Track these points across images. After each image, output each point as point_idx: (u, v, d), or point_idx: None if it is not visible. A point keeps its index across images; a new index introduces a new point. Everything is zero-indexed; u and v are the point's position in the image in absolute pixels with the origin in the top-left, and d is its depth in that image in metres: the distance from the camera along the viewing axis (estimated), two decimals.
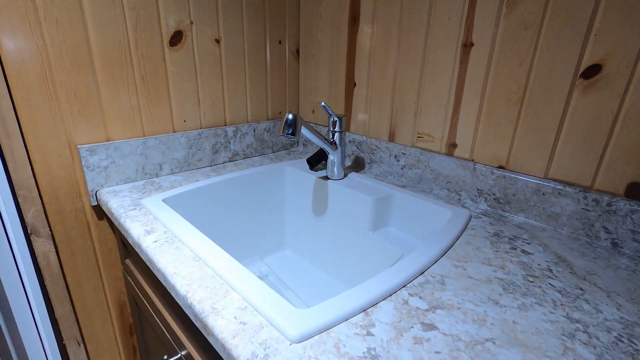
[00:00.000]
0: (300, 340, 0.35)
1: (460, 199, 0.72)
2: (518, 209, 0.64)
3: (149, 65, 0.73)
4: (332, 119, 0.76)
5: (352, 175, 0.82)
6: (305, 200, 0.85)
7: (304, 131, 0.66)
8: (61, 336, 0.75)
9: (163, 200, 0.66)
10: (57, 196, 0.68)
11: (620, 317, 0.40)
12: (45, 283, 0.70)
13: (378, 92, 0.83)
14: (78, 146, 0.67)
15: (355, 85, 0.88)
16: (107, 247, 0.77)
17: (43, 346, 0.74)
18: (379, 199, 0.71)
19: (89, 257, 0.75)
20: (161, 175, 0.80)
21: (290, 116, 0.64)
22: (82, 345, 0.78)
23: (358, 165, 0.90)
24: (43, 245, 0.68)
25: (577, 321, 0.39)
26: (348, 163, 0.93)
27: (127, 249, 0.74)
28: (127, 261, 0.75)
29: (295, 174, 0.86)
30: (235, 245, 0.81)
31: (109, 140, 0.72)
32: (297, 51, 1.00)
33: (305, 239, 0.87)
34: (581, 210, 0.57)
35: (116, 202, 0.65)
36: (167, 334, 0.61)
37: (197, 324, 0.40)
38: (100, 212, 0.75)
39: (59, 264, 0.71)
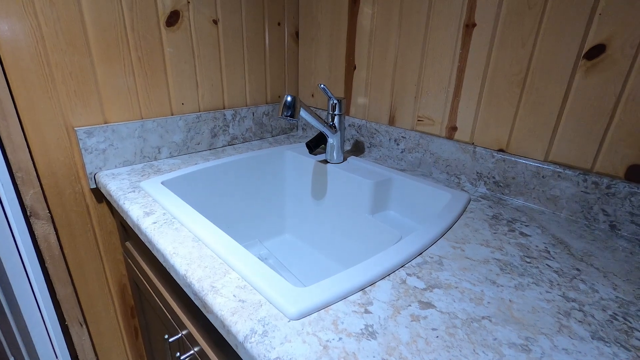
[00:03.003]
0: (298, 318, 0.35)
1: (459, 183, 0.71)
2: (517, 192, 0.64)
3: (145, 46, 0.72)
4: (331, 102, 0.75)
5: (352, 159, 0.82)
6: (305, 184, 0.85)
7: (303, 114, 0.66)
8: (63, 317, 0.76)
9: (162, 183, 0.66)
10: (56, 179, 0.68)
11: (616, 297, 0.40)
12: (46, 265, 0.71)
13: (378, 74, 0.82)
14: (75, 128, 0.67)
15: (355, 67, 0.86)
16: (106, 229, 0.78)
17: (46, 327, 0.75)
18: (378, 183, 0.70)
19: (89, 239, 0.76)
20: (160, 159, 0.79)
21: (289, 98, 0.63)
22: (84, 326, 0.79)
23: (358, 149, 0.90)
24: (43, 228, 0.68)
25: (573, 300, 0.39)
26: (348, 147, 0.92)
27: (126, 232, 0.74)
28: (127, 244, 0.75)
29: (294, 158, 0.86)
30: (235, 229, 0.82)
31: (106, 123, 0.71)
32: (297, 33, 0.98)
33: (304, 222, 0.87)
34: (580, 193, 0.57)
35: (115, 185, 0.65)
36: (167, 315, 0.61)
37: (197, 303, 0.40)
38: (99, 195, 0.75)
39: (59, 246, 0.71)
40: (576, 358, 0.32)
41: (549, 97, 0.58)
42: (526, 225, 0.56)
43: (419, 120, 0.77)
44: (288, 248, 0.86)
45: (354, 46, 0.85)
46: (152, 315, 0.74)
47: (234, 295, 0.38)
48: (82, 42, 0.65)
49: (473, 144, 0.69)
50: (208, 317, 0.39)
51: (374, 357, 0.31)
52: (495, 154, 0.65)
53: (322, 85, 0.70)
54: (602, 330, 0.35)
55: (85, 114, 0.68)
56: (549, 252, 0.49)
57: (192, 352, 0.55)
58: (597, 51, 0.52)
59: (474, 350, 0.32)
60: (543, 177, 0.60)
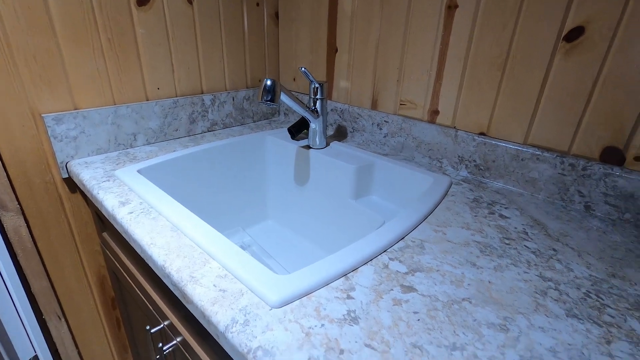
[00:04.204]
0: (280, 305, 0.35)
1: (441, 166, 0.72)
2: (497, 175, 0.65)
3: (115, 27, 0.68)
4: (313, 86, 0.74)
5: (334, 144, 0.81)
6: (287, 170, 0.84)
7: (283, 98, 0.64)
8: (40, 311, 0.74)
9: (138, 171, 0.63)
10: (24, 168, 0.65)
11: (590, 275, 0.41)
12: (19, 258, 0.68)
13: (360, 57, 0.80)
14: (43, 115, 0.63)
15: (337, 51, 0.85)
16: (82, 220, 0.75)
17: (22, 322, 0.73)
18: (360, 167, 0.70)
19: (64, 231, 0.73)
20: (136, 146, 0.76)
21: (268, 82, 0.61)
22: (63, 320, 0.77)
23: (340, 134, 0.89)
24: (12, 220, 0.65)
25: (549, 279, 0.40)
26: (330, 132, 0.91)
27: (103, 222, 0.72)
28: (104, 234, 0.73)
29: (276, 144, 0.84)
30: (217, 217, 0.80)
31: (76, 109, 0.67)
32: (276, 14, 0.95)
33: (287, 208, 0.87)
34: (557, 175, 0.58)
35: (88, 174, 0.63)
36: (149, 305, 0.60)
37: (176, 293, 0.39)
38: (72, 184, 0.72)
39: (31, 239, 0.68)
40: (552, 335, 0.33)
41: (529, 81, 0.58)
42: (505, 208, 0.57)
43: (401, 104, 0.76)
44: (271, 235, 0.86)
45: (335, 28, 0.83)
46: (134, 306, 0.72)
47: (214, 285, 0.37)
48: (46, 23, 0.60)
49: (455, 127, 0.69)
50: (188, 308, 0.38)
51: (356, 342, 0.31)
52: (477, 138, 0.66)
53: (302, 69, 0.69)
54: (576, 307, 0.36)
55: (52, 100, 0.64)
56: (527, 233, 0.50)
57: (174, 342, 0.54)
58: (576, 33, 0.52)
59: (454, 332, 0.33)
60: (522, 159, 0.61)
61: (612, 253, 0.46)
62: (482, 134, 0.66)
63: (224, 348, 0.33)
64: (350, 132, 0.87)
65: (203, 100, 0.85)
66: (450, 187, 0.63)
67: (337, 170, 0.73)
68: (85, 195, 0.74)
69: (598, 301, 0.37)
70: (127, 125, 0.74)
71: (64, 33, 0.63)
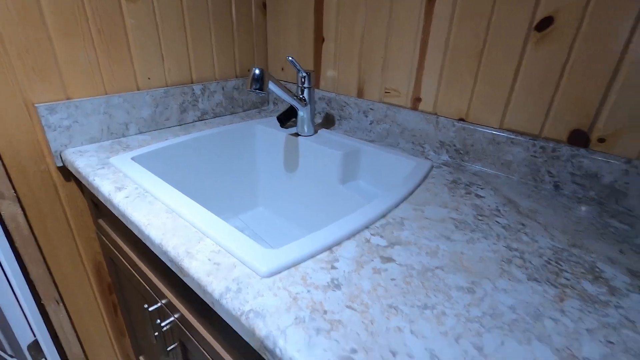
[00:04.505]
0: (270, 275, 0.38)
1: (424, 151, 0.75)
2: (476, 158, 0.68)
3: (105, 18, 0.69)
4: (300, 75, 0.76)
5: (322, 131, 0.84)
6: (277, 157, 0.87)
7: (272, 87, 0.66)
8: (39, 297, 0.76)
9: (132, 159, 0.65)
10: (19, 157, 0.66)
11: (552, 246, 0.46)
12: (16, 245, 0.70)
13: (346, 47, 0.83)
14: (36, 105, 0.65)
15: (323, 40, 0.87)
16: (77, 208, 0.77)
17: (21, 307, 0.75)
18: (347, 154, 0.73)
19: (59, 218, 0.75)
20: (128, 135, 0.78)
21: (257, 71, 0.63)
22: (61, 305, 0.80)
23: (328, 122, 0.92)
24: (9, 208, 0.67)
25: (515, 250, 0.44)
26: (319, 120, 0.94)
27: (98, 209, 0.74)
28: (100, 221, 0.75)
29: (265, 132, 0.87)
30: (209, 204, 0.83)
31: (69, 99, 0.69)
32: (264, 4, 0.96)
33: (278, 195, 0.90)
34: (530, 157, 0.62)
35: (83, 162, 0.65)
36: (146, 286, 0.63)
37: (173, 268, 0.42)
38: (67, 173, 0.74)
39: (28, 227, 0.70)
40: (513, 296, 0.37)
41: (503, 69, 0.61)
42: (481, 188, 0.60)
43: (386, 92, 0.79)
44: (262, 221, 0.89)
45: (322, 18, 0.85)
46: (130, 291, 0.75)
47: (208, 259, 0.40)
48: (37, 16, 0.62)
49: (436, 114, 0.73)
50: (185, 281, 0.41)
51: (338, 304, 0.35)
52: (456, 123, 0.69)
53: (290, 58, 0.71)
54: (536, 273, 0.40)
55: (45, 91, 0.66)
56: (499, 210, 0.54)
57: (172, 318, 0.57)
58: (546, 23, 0.56)
59: (427, 294, 0.36)
60: (498, 143, 0.65)
61: (575, 227, 0.50)
62: (461, 119, 0.69)
63: (219, 314, 0.37)
64: (338, 120, 0.90)
65: (193, 89, 0.87)
66: (431, 170, 0.66)
67: (325, 157, 0.76)
68: (80, 183, 0.76)
69: (557, 267, 0.41)
70: (119, 114, 0.75)
71: (54, 25, 0.64)
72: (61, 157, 0.70)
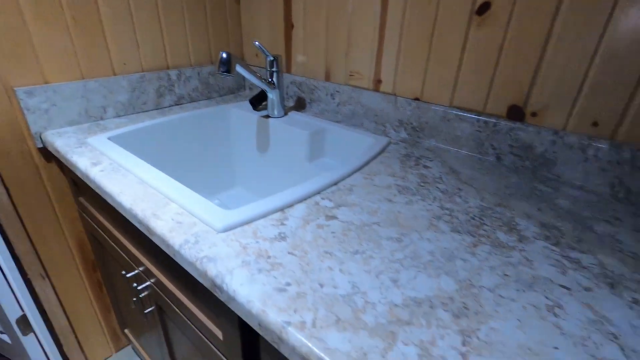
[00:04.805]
0: (224, 230, 0.43)
1: (385, 130, 0.81)
2: (430, 135, 0.74)
3: (79, 5, 0.73)
4: (268, 59, 0.81)
5: (292, 113, 0.89)
6: (250, 139, 0.91)
7: (239, 69, 0.71)
8: (25, 271, 0.81)
9: (108, 139, 0.70)
10: (1, 138, 0.70)
11: (480, 205, 0.52)
12: (1, 222, 0.74)
13: (313, 33, 0.87)
14: (15, 88, 0.69)
15: (293, 26, 0.91)
16: (59, 188, 0.81)
17: (7, 281, 0.80)
18: (313, 133, 0.78)
19: (42, 197, 0.79)
20: (106, 118, 0.82)
21: (224, 55, 0.68)
22: (47, 279, 0.84)
23: (300, 105, 0.97)
24: None
25: (447, 209, 0.50)
26: (291, 104, 0.99)
27: (78, 187, 0.78)
28: (81, 199, 0.79)
29: (239, 115, 0.92)
30: (187, 184, 0.88)
31: (47, 83, 0.73)
32: None
33: (253, 174, 0.95)
34: (475, 132, 0.68)
35: (62, 142, 0.69)
36: (124, 256, 0.68)
37: (142, 229, 0.48)
38: (47, 154, 0.78)
39: (12, 205, 0.74)
40: (434, 244, 0.43)
41: (451, 51, 0.67)
42: (430, 160, 0.66)
43: (350, 75, 0.84)
44: (239, 199, 0.94)
45: (290, 5, 0.89)
46: (111, 263, 0.80)
47: (172, 219, 0.46)
48: (13, 3, 0.65)
49: (395, 94, 0.78)
50: (152, 239, 0.46)
51: (281, 251, 0.40)
52: (412, 103, 0.75)
53: (256, 43, 0.75)
54: (460, 226, 0.46)
55: (24, 75, 0.70)
56: (441, 178, 0.60)
57: (148, 282, 0.63)
58: (484, 7, 0.61)
59: (360, 243, 0.42)
60: (448, 120, 0.71)
61: (506, 191, 0.56)
62: (416, 99, 0.75)
63: (180, 263, 0.42)
64: (309, 102, 0.95)
65: (169, 75, 0.91)
66: (387, 146, 0.72)
67: (293, 137, 0.81)
68: (61, 164, 0.80)
69: (479, 222, 0.48)
70: (97, 98, 0.79)
71: (30, 12, 0.67)
72: (41, 139, 0.74)
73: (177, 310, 0.57)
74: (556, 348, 0.30)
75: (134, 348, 1.08)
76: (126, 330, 0.99)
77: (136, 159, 0.60)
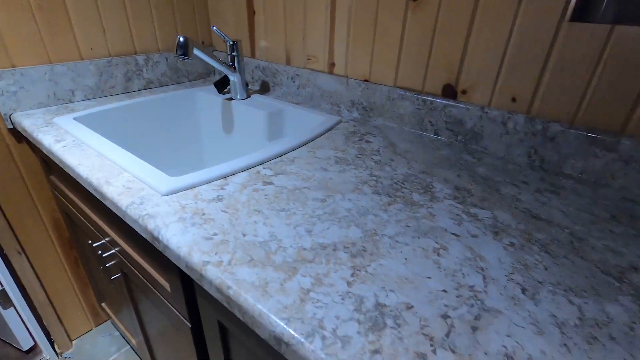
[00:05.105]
0: (168, 194, 0.49)
1: (339, 111, 0.86)
2: (378, 114, 0.80)
3: None
4: (228, 43, 0.85)
5: (255, 96, 0.94)
6: (216, 121, 0.96)
7: (197, 52, 0.75)
8: (1, 246, 0.85)
9: (74, 119, 0.74)
10: None
11: (406, 173, 0.58)
12: None
13: (273, 18, 0.92)
14: None
15: (254, 12, 0.95)
16: (31, 168, 0.86)
17: None
18: (271, 113, 0.84)
19: (15, 177, 0.83)
20: (75, 101, 0.86)
21: (181, 38, 0.72)
22: (23, 255, 0.89)
23: (264, 88, 1.01)
24: None
25: (375, 176, 0.56)
26: (256, 87, 1.03)
27: (49, 166, 0.83)
28: (52, 177, 0.84)
29: (205, 98, 0.96)
30: (155, 165, 0.92)
31: (14, 67, 0.77)
32: None
33: (220, 154, 1.00)
34: (416, 109, 0.73)
35: (29, 122, 0.73)
36: (92, 228, 0.73)
37: (96, 195, 0.53)
38: (18, 135, 0.82)
39: None
40: (353, 203, 0.49)
41: (392, 34, 0.72)
42: (374, 136, 0.72)
43: (308, 59, 0.89)
44: None
45: None
46: (83, 237, 0.85)
47: (123, 186, 0.51)
48: None
49: (347, 76, 0.83)
50: (105, 204, 0.52)
51: (215, 210, 0.46)
52: (362, 84, 0.80)
53: (214, 27, 0.80)
54: (381, 189, 0.52)
55: None
56: (378, 151, 0.65)
57: (113, 250, 0.68)
58: None
59: (287, 203, 0.48)
60: (393, 99, 0.76)
61: (434, 161, 0.62)
62: (365, 80, 0.80)
63: (127, 222, 0.47)
64: (272, 86, 0.99)
65: (137, 60, 0.94)
66: (337, 124, 0.78)
67: (253, 118, 0.86)
68: (32, 144, 0.84)
69: (400, 186, 0.54)
70: (65, 82, 0.83)
71: None
72: (11, 120, 0.78)
73: (137, 272, 0.63)
74: (429, 278, 0.36)
75: (113, 323, 1.14)
76: (103, 304, 1.05)
77: (97, 136, 0.65)
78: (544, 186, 0.55)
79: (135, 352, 1.09)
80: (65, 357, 1.07)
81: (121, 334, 1.14)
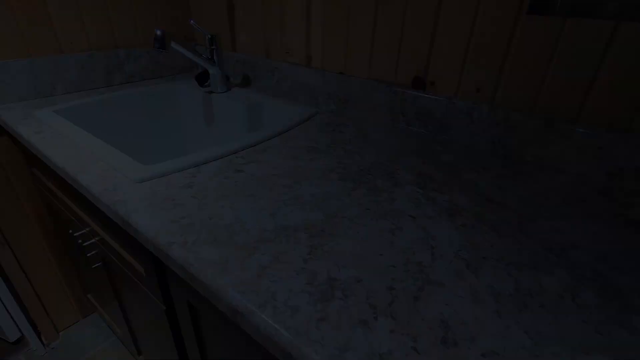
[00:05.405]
0: (141, 182, 0.51)
1: (318, 103, 0.88)
2: (353, 105, 0.82)
3: None
4: (207, 37, 0.87)
5: (236, 89, 0.95)
6: (198, 114, 0.98)
7: (174, 45, 0.77)
8: None
9: (54, 112, 0.75)
10: None
11: (374, 161, 0.60)
12: None
13: (252, 13, 0.93)
14: None
15: (234, 7, 0.97)
16: (13, 160, 0.87)
17: None
18: (249, 106, 0.85)
19: None
20: (56, 95, 0.87)
21: (158, 32, 0.74)
22: (6, 246, 0.91)
23: (246, 82, 1.03)
24: None
25: (342, 164, 0.59)
26: (238, 81, 1.05)
27: (30, 159, 0.84)
28: (34, 170, 0.85)
29: (186, 91, 0.97)
30: (139, 158, 0.94)
31: None
32: None
33: (200, 147, 1.01)
34: (388, 101, 0.76)
35: (9, 115, 0.74)
36: (73, 219, 0.75)
37: (73, 184, 0.55)
38: (0, 129, 0.83)
39: None
40: (319, 189, 0.51)
41: (365, 27, 0.74)
42: (347, 127, 0.74)
43: (286, 53, 0.91)
44: None
45: None
46: (66, 228, 0.87)
47: (97, 174, 0.53)
48: None
49: (323, 69, 0.85)
50: (81, 192, 0.53)
51: (185, 196, 0.48)
52: (338, 77, 0.82)
53: (192, 21, 0.81)
54: (347, 175, 0.55)
55: None
56: (350, 141, 0.68)
57: (93, 240, 0.70)
58: None
59: (256, 189, 0.50)
60: (367, 91, 0.78)
61: (400, 150, 0.65)
62: (341, 73, 0.82)
63: (100, 208, 0.49)
64: (254, 80, 1.01)
65: (118, 54, 0.95)
66: (313, 115, 0.80)
67: (233, 111, 0.88)
68: (13, 137, 0.85)
69: (366, 173, 0.56)
70: (45, 76, 0.84)
71: None
72: None
73: (115, 260, 0.65)
74: (381, 255, 0.39)
75: (99, 314, 1.16)
76: (89, 296, 1.06)
77: (75, 128, 0.67)
78: (504, 172, 0.58)
79: (121, 342, 1.11)
80: (52, 348, 1.08)
81: (107, 325, 1.16)
